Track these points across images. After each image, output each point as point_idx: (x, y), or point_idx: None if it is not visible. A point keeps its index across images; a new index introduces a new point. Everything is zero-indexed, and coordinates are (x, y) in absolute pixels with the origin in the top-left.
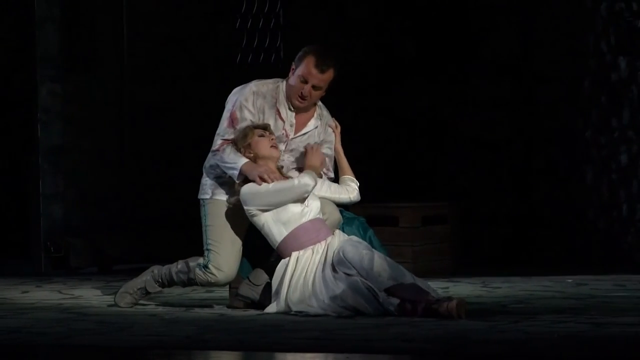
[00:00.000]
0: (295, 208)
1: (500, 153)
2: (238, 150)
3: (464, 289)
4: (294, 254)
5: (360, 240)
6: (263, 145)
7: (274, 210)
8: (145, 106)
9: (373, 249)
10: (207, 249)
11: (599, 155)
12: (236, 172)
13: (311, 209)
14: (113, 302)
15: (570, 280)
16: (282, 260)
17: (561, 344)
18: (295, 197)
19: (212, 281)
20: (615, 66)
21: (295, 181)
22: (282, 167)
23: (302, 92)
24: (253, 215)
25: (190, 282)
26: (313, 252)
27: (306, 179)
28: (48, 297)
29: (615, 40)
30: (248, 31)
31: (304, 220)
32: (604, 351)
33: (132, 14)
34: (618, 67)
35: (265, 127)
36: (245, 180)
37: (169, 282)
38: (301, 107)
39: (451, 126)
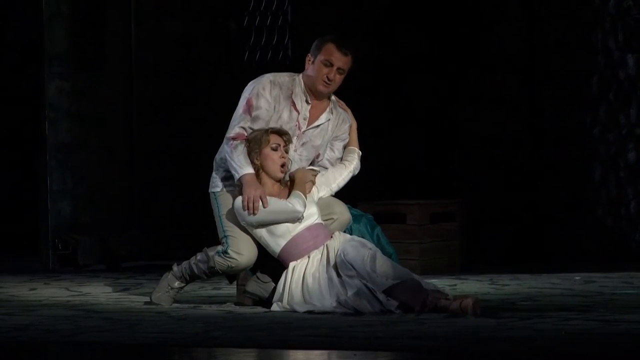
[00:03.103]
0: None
1: (508, 150)
2: (249, 151)
3: (471, 286)
4: (291, 264)
5: (363, 240)
6: (272, 162)
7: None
8: (154, 103)
9: (375, 248)
10: (225, 236)
11: (607, 153)
12: (237, 176)
13: (306, 217)
14: (149, 301)
15: (578, 278)
16: (284, 272)
17: (569, 341)
18: (284, 220)
19: (233, 265)
20: (623, 63)
21: (287, 206)
22: (286, 175)
23: (327, 76)
24: (249, 229)
25: (211, 270)
26: (309, 258)
27: (296, 206)
28: (56, 295)
29: (623, 37)
30: (256, 29)
31: (300, 228)
32: (611, 348)
33: (140, 11)
34: (626, 64)
35: (283, 134)
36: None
37: (190, 276)
38: (325, 92)
39: (459, 123)
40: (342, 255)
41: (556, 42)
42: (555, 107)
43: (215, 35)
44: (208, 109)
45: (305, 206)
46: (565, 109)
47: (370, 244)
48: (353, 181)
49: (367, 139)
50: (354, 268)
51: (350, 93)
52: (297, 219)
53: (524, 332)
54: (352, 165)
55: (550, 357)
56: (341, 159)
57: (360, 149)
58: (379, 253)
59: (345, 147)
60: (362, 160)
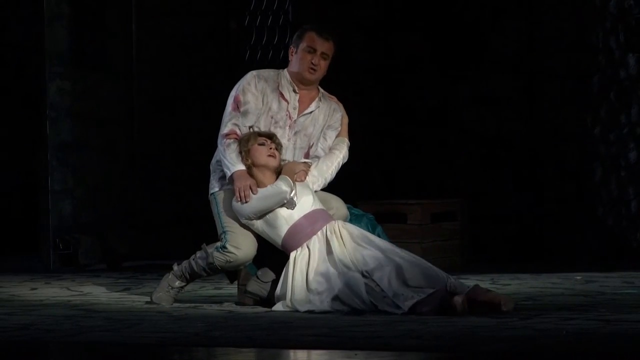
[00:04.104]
0: (283, 211)
1: (509, 150)
2: (240, 152)
3: None
4: (292, 254)
5: (382, 244)
6: (260, 154)
7: (264, 218)
8: (154, 103)
9: (391, 249)
10: (224, 232)
11: (607, 152)
12: (229, 173)
13: (300, 206)
14: (150, 301)
15: (579, 277)
16: (287, 263)
17: (570, 340)
18: (274, 203)
19: (232, 260)
20: (624, 63)
21: (272, 188)
22: (280, 165)
23: (312, 62)
24: (250, 225)
25: (211, 267)
26: (309, 249)
27: (282, 186)
28: (57, 294)
29: (624, 37)
30: (257, 28)
31: (297, 217)
32: (612, 348)
33: (141, 11)
34: (627, 64)
35: (270, 136)
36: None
37: (191, 275)
38: (312, 79)
39: (460, 123)
40: (365, 271)
41: (556, 42)
42: (556, 107)
43: (217, 35)
44: (208, 108)
45: (291, 187)
46: (566, 108)
47: (389, 252)
48: (354, 181)
49: (368, 139)
50: (379, 285)
51: (350, 93)
52: (285, 199)
53: (524, 331)
54: (341, 154)
55: (551, 356)
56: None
57: (359, 152)
58: (401, 258)
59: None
60: (363, 160)
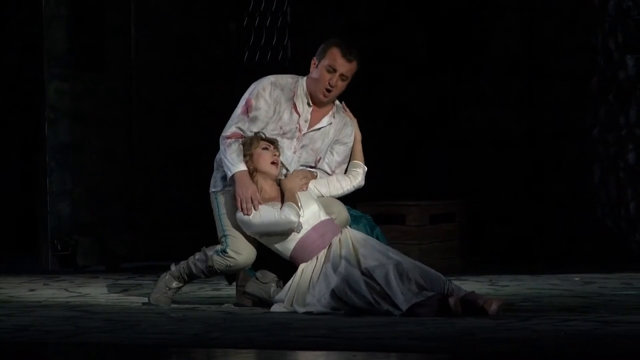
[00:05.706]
0: None
1: (508, 151)
2: (244, 155)
3: (471, 287)
4: (301, 267)
5: (381, 246)
6: (263, 160)
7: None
8: (153, 104)
9: (397, 254)
10: (224, 235)
11: (606, 154)
12: (229, 174)
13: (307, 219)
14: (147, 302)
15: (578, 279)
16: (294, 274)
17: (568, 342)
18: (281, 230)
19: (232, 264)
20: (623, 64)
21: (280, 218)
22: (281, 178)
23: (329, 82)
24: (256, 237)
25: (210, 270)
26: (317, 259)
27: (291, 217)
28: (55, 295)
29: (623, 38)
30: (255, 30)
31: (305, 231)
32: (611, 349)
33: (140, 12)
34: (626, 65)
35: (272, 142)
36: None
37: (189, 276)
38: (325, 101)
39: (459, 124)
40: (367, 270)
41: (556, 43)
42: (555, 108)
43: (215, 36)
44: (207, 109)
45: (299, 215)
46: (565, 109)
47: (391, 252)
48: None
49: (367, 140)
50: (379, 283)
51: (350, 93)
52: (293, 229)
53: (523, 333)
54: (356, 181)
55: (550, 358)
56: (344, 166)
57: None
58: (403, 261)
59: (348, 157)
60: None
